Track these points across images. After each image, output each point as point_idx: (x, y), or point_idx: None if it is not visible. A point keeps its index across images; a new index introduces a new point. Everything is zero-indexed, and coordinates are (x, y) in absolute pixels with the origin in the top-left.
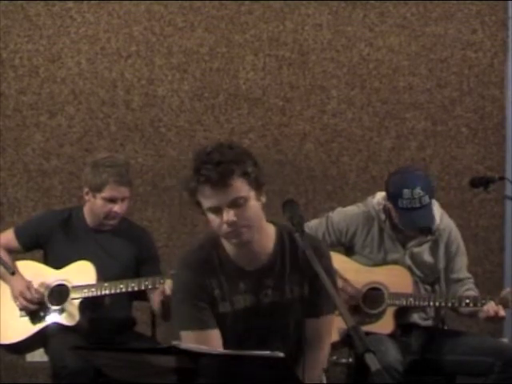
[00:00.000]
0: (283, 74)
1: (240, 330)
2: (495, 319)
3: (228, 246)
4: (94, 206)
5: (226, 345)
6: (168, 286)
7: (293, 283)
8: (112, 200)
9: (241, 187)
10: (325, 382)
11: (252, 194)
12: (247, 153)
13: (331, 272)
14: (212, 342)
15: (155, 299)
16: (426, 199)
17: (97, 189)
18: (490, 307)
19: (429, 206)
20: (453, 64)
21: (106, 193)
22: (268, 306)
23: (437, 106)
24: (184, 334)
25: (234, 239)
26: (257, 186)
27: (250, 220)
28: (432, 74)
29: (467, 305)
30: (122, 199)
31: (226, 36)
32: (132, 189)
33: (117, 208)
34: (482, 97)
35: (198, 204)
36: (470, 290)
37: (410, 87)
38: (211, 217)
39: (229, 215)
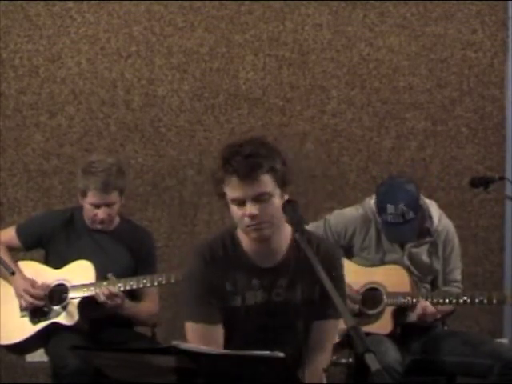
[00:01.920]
0: (283, 74)
1: (251, 326)
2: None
3: (244, 242)
4: (84, 209)
5: (236, 340)
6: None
7: (305, 285)
8: (96, 206)
9: (267, 183)
10: (325, 382)
11: (277, 191)
12: (278, 150)
13: (342, 279)
14: (213, 337)
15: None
16: (410, 214)
17: (83, 194)
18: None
19: (413, 221)
20: (453, 64)
21: (89, 199)
22: (279, 305)
23: (437, 106)
24: (188, 324)
25: (254, 234)
26: (282, 184)
27: (272, 216)
28: (432, 74)
29: (464, 302)
30: (108, 205)
31: (226, 36)
32: (123, 191)
33: (101, 214)
34: (482, 97)
35: (222, 195)
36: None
37: (410, 87)
38: (234, 208)
39: (252, 208)
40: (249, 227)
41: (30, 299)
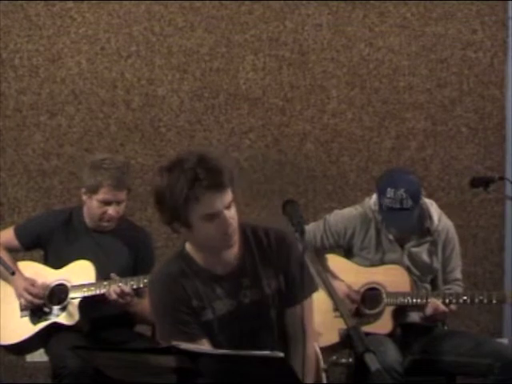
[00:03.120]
0: (283, 74)
1: (227, 334)
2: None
3: (196, 256)
4: (90, 207)
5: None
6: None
7: (268, 278)
8: (107, 203)
9: (230, 189)
10: (325, 381)
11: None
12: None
13: (302, 261)
14: None
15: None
16: (409, 202)
17: (92, 190)
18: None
19: (411, 210)
20: (453, 64)
21: (101, 195)
22: (250, 306)
23: (437, 106)
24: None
25: (225, 243)
26: (231, 186)
27: (236, 221)
28: (432, 73)
29: (464, 301)
30: (118, 202)
31: (226, 36)
32: (130, 190)
33: (111, 211)
34: (482, 97)
35: (184, 221)
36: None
37: (410, 87)
38: (205, 226)
39: (227, 218)
40: (223, 238)
41: (30, 297)
